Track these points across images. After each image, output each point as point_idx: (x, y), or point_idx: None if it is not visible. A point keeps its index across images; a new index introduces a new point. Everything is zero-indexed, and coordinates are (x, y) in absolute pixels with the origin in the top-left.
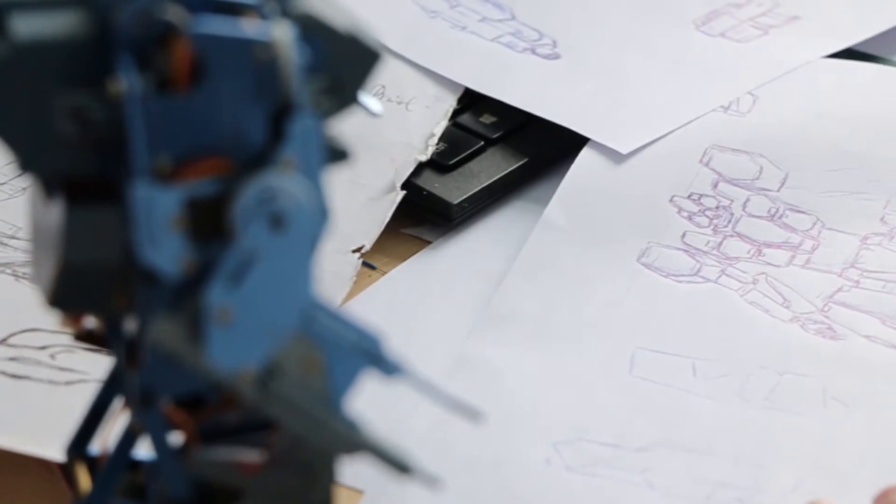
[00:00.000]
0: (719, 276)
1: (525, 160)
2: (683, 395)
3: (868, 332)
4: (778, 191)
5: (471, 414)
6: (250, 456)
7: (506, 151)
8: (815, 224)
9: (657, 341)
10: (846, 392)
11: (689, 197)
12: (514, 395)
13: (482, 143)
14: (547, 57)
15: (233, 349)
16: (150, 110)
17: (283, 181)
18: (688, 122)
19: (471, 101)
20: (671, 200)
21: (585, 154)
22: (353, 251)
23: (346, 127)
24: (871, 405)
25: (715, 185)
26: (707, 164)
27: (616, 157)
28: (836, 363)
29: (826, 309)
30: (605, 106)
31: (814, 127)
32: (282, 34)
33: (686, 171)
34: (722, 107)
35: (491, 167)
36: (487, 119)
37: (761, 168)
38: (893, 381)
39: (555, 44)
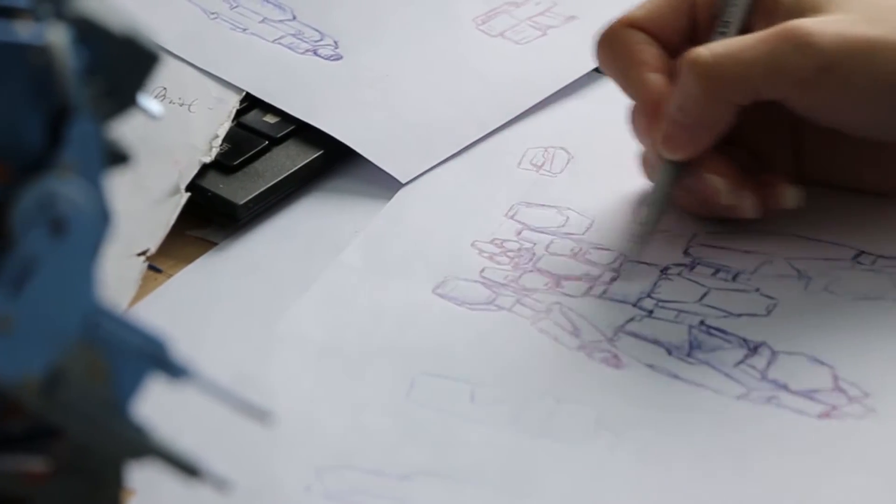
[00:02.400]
0: (514, 305)
1: (312, 157)
2: (457, 422)
3: (653, 361)
4: (583, 234)
5: (260, 415)
6: (36, 464)
7: (291, 150)
8: (616, 258)
9: (441, 367)
10: (620, 421)
11: (491, 241)
12: (284, 419)
13: (266, 142)
14: (329, 58)
15: (15, 357)
16: None
17: (62, 186)
18: (466, 148)
19: (255, 100)
20: (472, 244)
21: (393, 204)
22: (138, 254)
23: (126, 130)
24: (642, 435)
25: (519, 233)
26: (512, 217)
27: (419, 204)
28: (614, 392)
29: (615, 338)
30: (386, 126)
31: (624, 181)
32: (57, 37)
33: (490, 222)
34: (535, 165)
35: (276, 166)
36: (271, 118)
37: (567, 218)
38: (668, 412)
39: (336, 44)
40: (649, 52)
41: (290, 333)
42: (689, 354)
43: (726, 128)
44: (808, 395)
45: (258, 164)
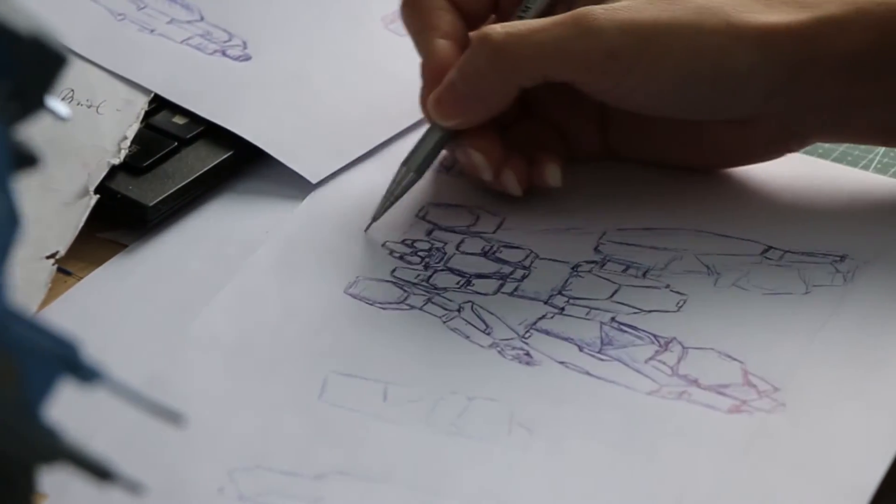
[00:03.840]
0: (425, 304)
1: (222, 158)
2: (370, 421)
3: (565, 358)
4: (493, 233)
5: (171, 417)
6: None
7: (201, 151)
8: (528, 256)
9: (353, 366)
10: (533, 418)
11: (402, 242)
12: (196, 421)
13: (176, 143)
14: (238, 58)
15: None
16: None
17: None
18: (376, 149)
19: (163, 101)
20: (384, 245)
21: (304, 205)
22: (47, 257)
23: (34, 132)
24: (555, 431)
25: (430, 233)
26: (423, 218)
27: (330, 205)
28: (526, 389)
29: (527, 335)
30: (295, 127)
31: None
32: None
33: (401, 223)
34: (444, 166)
35: (186, 167)
36: (180, 120)
37: (478, 217)
38: (581, 408)
39: (245, 45)
40: (445, 18)
41: (201, 335)
42: (600, 351)
43: (503, 107)
44: (719, 389)
45: (167, 166)
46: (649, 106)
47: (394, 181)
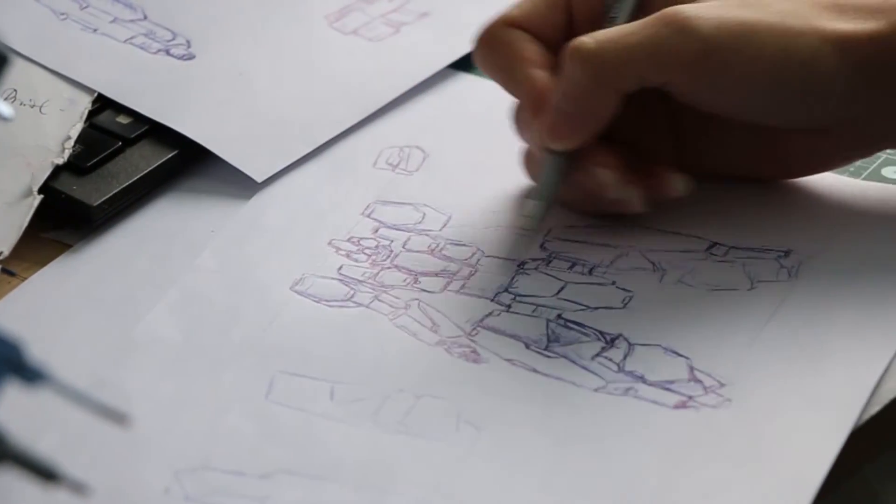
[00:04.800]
0: (372, 302)
1: (167, 157)
2: (317, 420)
3: (512, 355)
4: (440, 230)
5: (116, 418)
6: None
7: (145, 150)
8: (474, 254)
9: (299, 365)
10: (480, 415)
11: (348, 240)
12: (142, 422)
13: (120, 143)
14: (182, 57)
15: None
16: None
17: None
18: (323, 144)
19: (107, 101)
20: (330, 243)
21: (250, 205)
22: None
23: None
24: (502, 428)
25: (376, 231)
26: (369, 216)
27: (276, 204)
28: (474, 387)
29: (474, 333)
30: (240, 126)
31: (480, 178)
32: None
33: (347, 220)
34: (390, 164)
35: (130, 167)
36: (124, 119)
37: (424, 215)
38: (528, 405)
39: (189, 43)
40: (531, 49)
41: (147, 336)
42: (546, 348)
43: (611, 116)
44: (665, 385)
45: (112, 166)
46: (739, 108)
47: (524, 216)
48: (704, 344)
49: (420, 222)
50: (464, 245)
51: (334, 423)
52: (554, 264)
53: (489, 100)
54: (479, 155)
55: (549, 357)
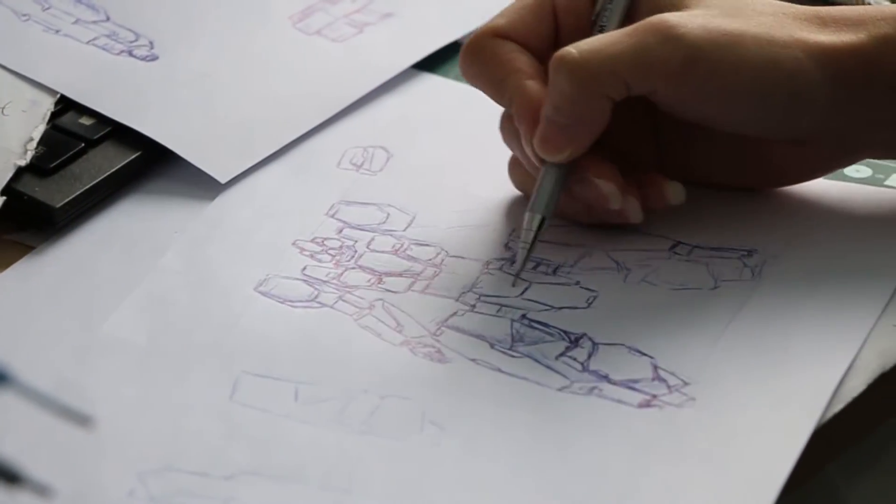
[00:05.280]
0: (336, 302)
1: (130, 159)
2: (281, 421)
3: (476, 355)
4: (404, 230)
5: (80, 419)
6: None
7: (109, 151)
8: (438, 254)
9: (264, 366)
10: (445, 415)
11: (312, 240)
12: (105, 424)
13: (83, 144)
14: (145, 59)
15: None
16: None
17: None
18: (287, 145)
19: (70, 102)
20: (294, 243)
21: (213, 206)
22: None
23: None
24: (467, 428)
25: (340, 231)
26: (333, 216)
27: (240, 205)
28: (438, 387)
29: (438, 333)
30: (204, 127)
31: (444, 178)
32: None
33: (311, 221)
34: (354, 164)
35: (93, 168)
36: (87, 120)
37: (388, 215)
38: (492, 405)
39: (152, 45)
40: (522, 59)
41: (111, 337)
42: (511, 348)
43: (604, 125)
44: (629, 385)
45: (75, 167)
46: (723, 118)
47: (525, 230)
48: (668, 343)
49: (384, 222)
50: (428, 245)
51: (299, 424)
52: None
53: (452, 100)
54: (442, 155)
55: (513, 357)
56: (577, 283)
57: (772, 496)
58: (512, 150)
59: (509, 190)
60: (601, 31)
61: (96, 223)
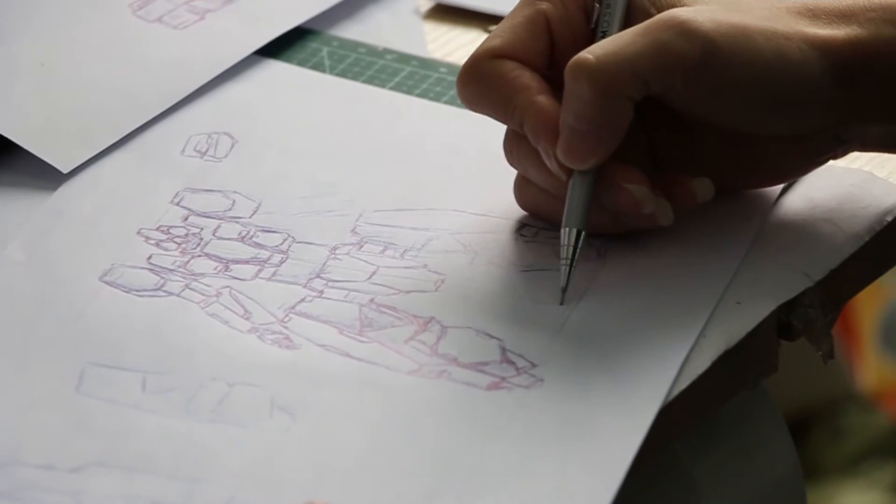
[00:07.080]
0: (182, 290)
1: None
2: (129, 412)
3: (325, 341)
4: (250, 217)
5: None
6: None
7: None
8: (285, 240)
9: (110, 357)
10: (294, 402)
11: (157, 229)
12: None
13: None
14: None
15: None
16: None
17: None
18: (130, 133)
19: None
20: (139, 232)
21: (56, 196)
22: None
23: None
24: (316, 414)
25: (185, 219)
26: (178, 204)
27: (83, 195)
28: (287, 373)
29: (286, 319)
30: (44, 116)
31: (290, 164)
32: None
33: (155, 209)
34: (198, 151)
35: None
36: None
37: (234, 202)
38: (342, 390)
39: None
40: (528, 76)
41: None
42: (360, 333)
43: (626, 127)
44: (478, 367)
45: None
46: (730, 114)
47: (564, 247)
48: (516, 325)
49: (230, 209)
50: (274, 231)
51: (146, 414)
52: (366, 248)
53: (296, 85)
54: (287, 141)
55: (362, 342)
56: (425, 266)
57: (620, 474)
58: (524, 171)
59: (355, 174)
60: (604, 36)
61: None
